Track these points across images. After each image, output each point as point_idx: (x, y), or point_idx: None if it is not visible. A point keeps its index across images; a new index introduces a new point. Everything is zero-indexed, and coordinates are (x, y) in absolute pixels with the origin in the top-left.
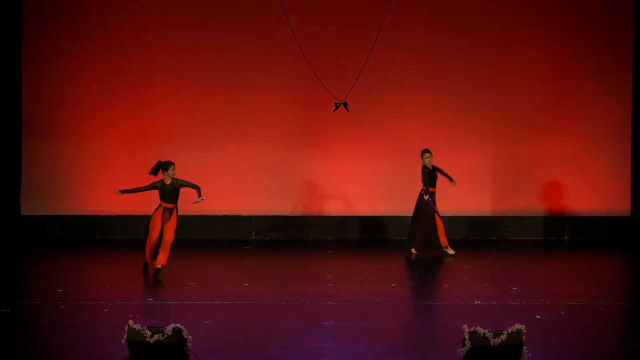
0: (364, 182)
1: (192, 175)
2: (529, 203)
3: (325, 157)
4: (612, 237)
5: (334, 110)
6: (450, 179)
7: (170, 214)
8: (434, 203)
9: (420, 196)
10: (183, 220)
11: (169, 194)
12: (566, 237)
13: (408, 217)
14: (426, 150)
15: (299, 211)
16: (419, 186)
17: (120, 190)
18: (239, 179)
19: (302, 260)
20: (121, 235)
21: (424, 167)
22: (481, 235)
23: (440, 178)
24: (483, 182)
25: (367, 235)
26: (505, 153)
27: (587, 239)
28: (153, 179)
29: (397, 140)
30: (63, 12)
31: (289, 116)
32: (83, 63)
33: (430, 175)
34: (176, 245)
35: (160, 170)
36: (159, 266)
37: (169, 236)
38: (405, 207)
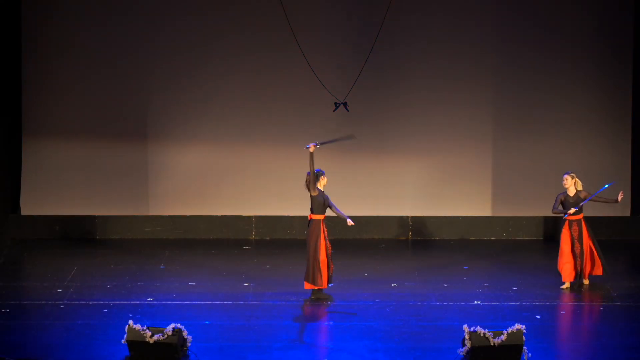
0: (364, 181)
1: (193, 176)
2: (529, 203)
3: (324, 157)
4: (612, 237)
5: (333, 110)
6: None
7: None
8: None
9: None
10: (183, 220)
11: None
12: None
13: (408, 217)
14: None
15: (299, 211)
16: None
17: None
18: (239, 178)
19: (302, 260)
20: (121, 235)
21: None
22: (481, 235)
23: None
24: (483, 182)
25: (367, 235)
26: (505, 153)
27: None
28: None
29: (397, 140)
30: (63, 13)
31: (288, 116)
32: (83, 63)
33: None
34: (176, 245)
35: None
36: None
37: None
38: (405, 207)
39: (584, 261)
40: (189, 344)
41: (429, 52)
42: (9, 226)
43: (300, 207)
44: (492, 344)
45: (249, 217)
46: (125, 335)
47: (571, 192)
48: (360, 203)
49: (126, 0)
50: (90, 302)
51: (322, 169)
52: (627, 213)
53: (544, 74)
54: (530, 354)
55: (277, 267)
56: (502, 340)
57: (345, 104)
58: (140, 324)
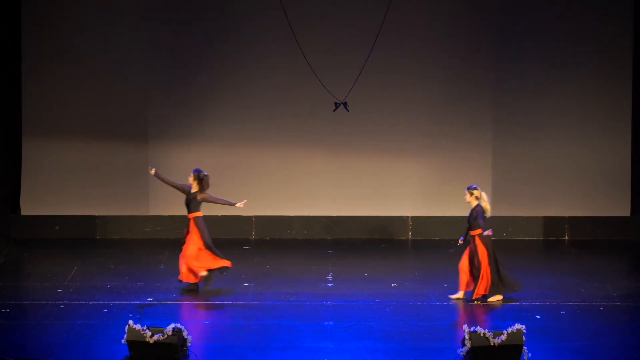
0: (364, 181)
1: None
2: (528, 203)
3: (325, 156)
4: (612, 237)
5: (333, 110)
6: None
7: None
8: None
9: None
10: (183, 220)
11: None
12: (566, 237)
13: (407, 216)
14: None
15: (299, 211)
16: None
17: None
18: (239, 179)
19: (302, 260)
20: (121, 235)
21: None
22: None
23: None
24: (482, 182)
25: (367, 235)
26: (504, 152)
27: (587, 239)
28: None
29: (398, 139)
30: (63, 12)
31: (288, 116)
32: (83, 63)
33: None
34: (176, 245)
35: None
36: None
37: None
38: (405, 207)
39: (479, 279)
40: (189, 344)
41: (429, 52)
42: (9, 226)
43: (300, 207)
44: (492, 344)
45: (249, 217)
46: (125, 335)
47: (472, 206)
48: (360, 203)
49: (126, 1)
50: (90, 302)
51: (199, 169)
52: (627, 213)
53: (544, 75)
54: (530, 354)
55: (277, 267)
56: (502, 340)
57: (345, 104)
58: (140, 324)
